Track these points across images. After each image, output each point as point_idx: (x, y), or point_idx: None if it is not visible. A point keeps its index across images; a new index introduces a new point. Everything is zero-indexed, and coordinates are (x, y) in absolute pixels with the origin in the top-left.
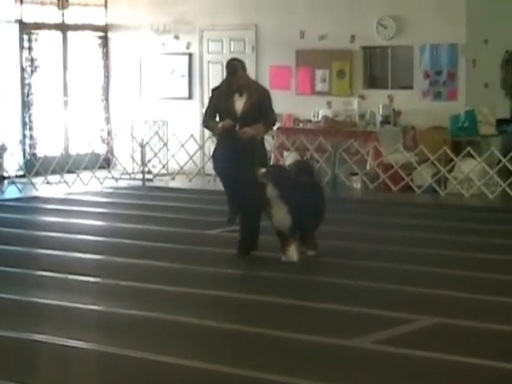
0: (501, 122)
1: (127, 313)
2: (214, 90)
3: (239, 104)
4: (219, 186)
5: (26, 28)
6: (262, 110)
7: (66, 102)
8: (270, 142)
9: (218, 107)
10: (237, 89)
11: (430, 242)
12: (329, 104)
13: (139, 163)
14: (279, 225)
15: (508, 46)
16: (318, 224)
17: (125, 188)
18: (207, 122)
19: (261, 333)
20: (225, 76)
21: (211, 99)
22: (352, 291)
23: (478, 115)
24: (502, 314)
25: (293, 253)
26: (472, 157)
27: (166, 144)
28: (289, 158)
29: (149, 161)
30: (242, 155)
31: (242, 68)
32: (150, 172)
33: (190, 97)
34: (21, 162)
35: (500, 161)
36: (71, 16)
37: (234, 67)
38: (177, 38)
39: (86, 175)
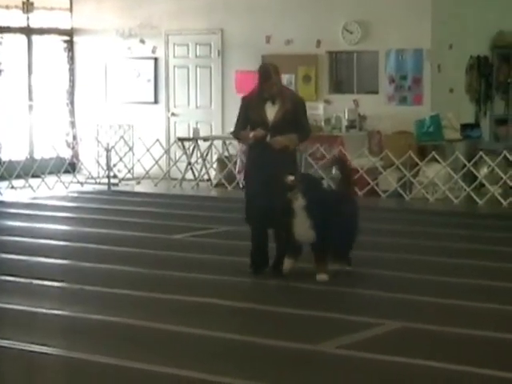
0: (465, 127)
1: (92, 318)
2: (244, 98)
3: (271, 113)
4: (185, 190)
5: None
6: (295, 119)
7: (30, 106)
8: (236, 147)
9: (248, 116)
10: (269, 96)
11: (395, 247)
12: None
13: (105, 168)
14: (298, 236)
15: (473, 52)
16: (350, 242)
17: (90, 192)
18: (237, 132)
19: (224, 337)
20: (256, 82)
21: (241, 108)
22: (316, 296)
23: (443, 120)
24: (468, 319)
25: (287, 265)
26: (437, 161)
27: (131, 148)
28: None
29: (114, 165)
30: (272, 167)
31: (276, 73)
32: (115, 176)
33: (156, 101)
34: None
35: (464, 165)
36: (36, 20)
37: (268, 72)
38: (142, 42)
39: (51, 180)
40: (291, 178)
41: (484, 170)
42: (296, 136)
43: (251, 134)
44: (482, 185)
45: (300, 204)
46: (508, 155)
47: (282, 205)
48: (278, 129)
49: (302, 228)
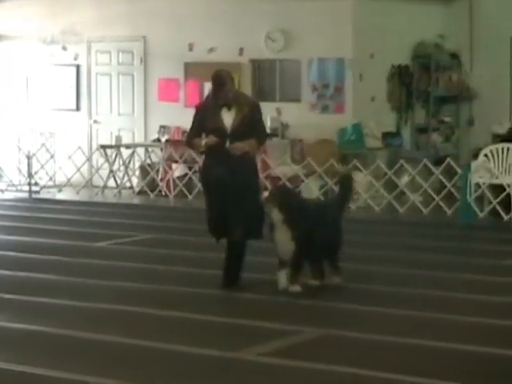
0: (386, 136)
1: (10, 326)
2: (198, 107)
3: (228, 119)
4: (107, 198)
5: None
6: (252, 124)
7: None
8: (157, 155)
9: (203, 125)
10: (225, 102)
11: None
12: None
13: (26, 175)
14: (280, 250)
15: (394, 61)
16: (335, 251)
17: (11, 200)
18: (189, 141)
19: (141, 345)
20: (210, 88)
21: (195, 116)
22: (236, 303)
23: (365, 128)
24: (388, 326)
25: (281, 279)
26: (358, 170)
27: (53, 156)
28: (177, 171)
29: (35, 172)
30: (235, 175)
31: (230, 79)
32: (36, 184)
33: (78, 108)
34: None
35: (386, 174)
36: None
37: (222, 78)
38: (64, 48)
39: None
40: (266, 194)
41: (405, 178)
42: (255, 141)
43: (203, 142)
44: (403, 193)
45: (278, 218)
46: (428, 163)
47: (254, 213)
48: (237, 135)
49: (283, 240)
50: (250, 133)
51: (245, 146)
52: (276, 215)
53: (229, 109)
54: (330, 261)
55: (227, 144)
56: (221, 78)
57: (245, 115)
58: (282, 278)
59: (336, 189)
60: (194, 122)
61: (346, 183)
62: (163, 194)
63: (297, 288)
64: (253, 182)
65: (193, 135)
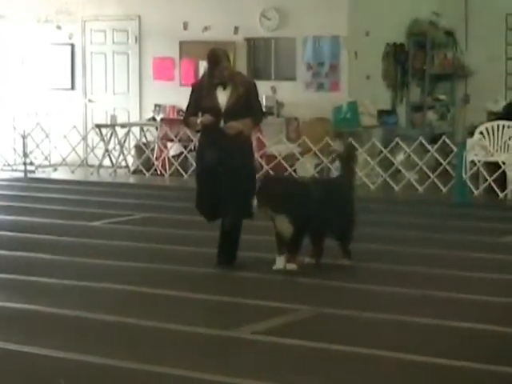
0: (382, 114)
1: (8, 306)
2: (193, 85)
3: (223, 98)
4: (103, 177)
5: None
6: (248, 103)
7: None
8: (153, 134)
9: (199, 103)
10: (220, 81)
11: None
12: None
13: (21, 154)
14: (280, 232)
15: (389, 39)
16: (344, 232)
17: (6, 180)
18: (186, 119)
19: (140, 324)
20: (206, 67)
21: (191, 95)
22: (231, 281)
23: (360, 106)
24: (386, 303)
25: (278, 262)
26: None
27: (48, 135)
28: (172, 150)
29: (31, 152)
30: (228, 156)
31: (226, 57)
32: (31, 163)
33: (73, 87)
34: None
35: (381, 152)
36: None
37: (217, 57)
38: (59, 28)
39: None
40: (254, 202)
41: (400, 156)
42: (250, 120)
43: (199, 120)
44: (399, 171)
45: (272, 214)
46: (424, 141)
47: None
48: (231, 114)
49: (282, 225)
50: (245, 112)
51: (239, 125)
52: (270, 212)
53: (224, 88)
54: (339, 242)
55: (221, 123)
56: (216, 56)
57: (240, 94)
58: (280, 261)
59: (333, 167)
60: (190, 101)
61: (348, 162)
62: (158, 172)
63: (293, 266)
64: (247, 163)
65: (189, 114)
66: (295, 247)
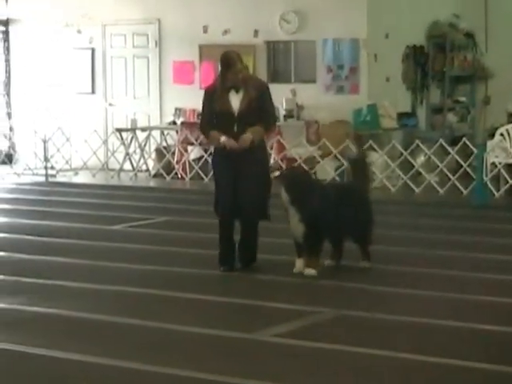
0: (402, 116)
1: (29, 310)
2: (206, 90)
3: (236, 102)
4: (123, 181)
5: None
6: (261, 106)
7: None
8: (173, 137)
9: (213, 108)
10: (233, 85)
11: None
12: None
13: (42, 159)
14: (293, 232)
15: (408, 41)
16: (362, 234)
17: (27, 184)
18: (205, 128)
19: (162, 327)
20: (219, 70)
21: (205, 100)
22: (252, 284)
23: (380, 109)
24: (407, 306)
25: (298, 265)
26: (374, 150)
27: (68, 139)
28: (193, 153)
29: (52, 156)
30: (244, 162)
31: (239, 60)
32: (52, 167)
33: (93, 92)
34: None
35: (401, 154)
36: None
37: (230, 59)
38: (79, 32)
39: None
40: (276, 172)
41: (420, 159)
42: (261, 127)
43: (221, 139)
44: (419, 173)
45: (286, 199)
46: (444, 143)
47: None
48: (244, 118)
49: (293, 222)
50: (258, 116)
51: (250, 136)
52: (284, 196)
53: (237, 91)
54: (358, 244)
55: (235, 128)
56: (229, 58)
57: (252, 98)
58: (299, 263)
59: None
60: (204, 106)
61: (359, 168)
62: (179, 176)
63: (311, 271)
64: (262, 169)
65: (206, 120)
66: (314, 252)
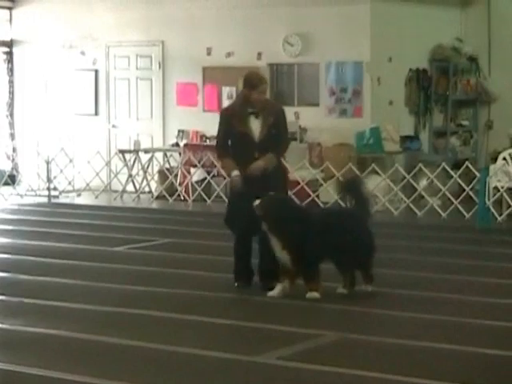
0: (405, 139)
1: (31, 331)
2: (225, 111)
3: (256, 127)
4: (126, 202)
5: None
6: (278, 132)
7: None
8: (176, 159)
9: (231, 130)
10: (253, 111)
11: None
12: None
13: (45, 180)
14: (279, 259)
15: (412, 64)
16: (364, 258)
17: (30, 205)
18: (220, 150)
19: (160, 349)
20: (239, 92)
21: (222, 121)
22: (256, 307)
23: (383, 132)
24: (410, 329)
25: (276, 290)
26: (377, 173)
27: (71, 160)
28: (195, 175)
29: (54, 177)
30: (262, 186)
31: (265, 80)
32: (55, 189)
33: (97, 113)
34: None
35: (404, 177)
36: None
37: (256, 80)
38: (83, 53)
39: None
40: (255, 202)
41: (423, 182)
42: (273, 155)
43: (233, 174)
44: (422, 196)
45: (265, 228)
46: (447, 167)
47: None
48: (264, 145)
49: (277, 251)
50: (276, 142)
51: (263, 164)
52: (263, 225)
53: (256, 117)
54: (360, 268)
55: (256, 154)
56: (254, 78)
57: (270, 124)
58: (277, 289)
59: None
60: (220, 128)
61: (354, 191)
62: (182, 198)
63: (313, 295)
64: (279, 190)
65: (222, 142)
66: (310, 275)
